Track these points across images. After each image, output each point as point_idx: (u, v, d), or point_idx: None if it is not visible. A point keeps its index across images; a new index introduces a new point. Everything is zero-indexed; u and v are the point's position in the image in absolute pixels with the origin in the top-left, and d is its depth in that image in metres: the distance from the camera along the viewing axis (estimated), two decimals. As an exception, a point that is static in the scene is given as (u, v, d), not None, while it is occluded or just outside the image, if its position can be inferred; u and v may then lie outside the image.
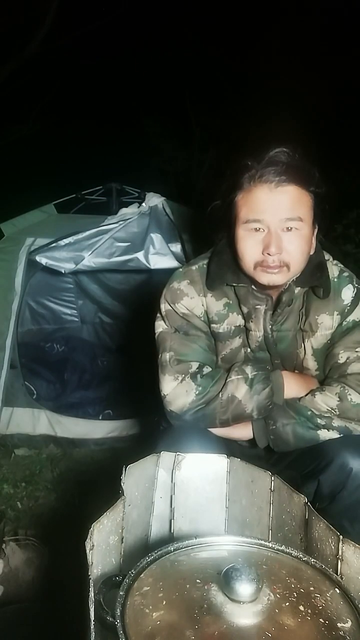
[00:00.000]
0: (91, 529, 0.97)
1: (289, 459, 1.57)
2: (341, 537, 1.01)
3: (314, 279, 1.53)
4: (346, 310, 1.56)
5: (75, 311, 4.05)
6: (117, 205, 3.13)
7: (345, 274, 1.60)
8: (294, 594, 0.89)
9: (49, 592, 1.71)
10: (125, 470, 1.19)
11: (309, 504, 1.13)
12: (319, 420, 1.48)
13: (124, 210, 2.96)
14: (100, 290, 3.89)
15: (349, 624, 0.85)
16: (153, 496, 1.30)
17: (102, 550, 1.03)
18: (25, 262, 2.87)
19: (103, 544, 1.03)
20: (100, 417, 2.98)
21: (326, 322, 1.56)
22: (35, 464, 2.64)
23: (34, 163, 7.38)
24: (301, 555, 0.98)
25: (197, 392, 1.50)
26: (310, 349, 1.59)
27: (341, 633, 0.84)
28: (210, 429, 1.54)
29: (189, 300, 1.58)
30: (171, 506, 1.31)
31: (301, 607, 0.86)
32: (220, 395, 1.50)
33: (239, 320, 1.58)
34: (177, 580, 0.90)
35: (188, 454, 1.33)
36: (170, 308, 1.59)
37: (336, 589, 0.92)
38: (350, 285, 1.57)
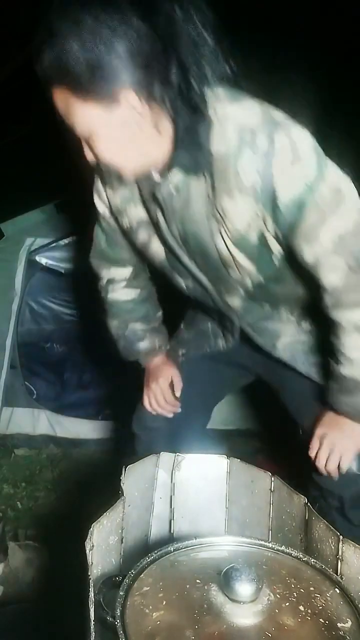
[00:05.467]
0: (91, 529, 0.97)
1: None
2: (341, 537, 1.01)
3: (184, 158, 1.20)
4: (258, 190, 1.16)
5: (75, 311, 4.04)
6: (117, 205, 3.12)
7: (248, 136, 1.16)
8: (294, 594, 0.89)
9: (49, 592, 1.71)
10: (125, 470, 1.19)
11: (309, 504, 1.13)
12: None
13: (124, 210, 2.95)
14: (100, 290, 3.88)
15: (349, 624, 0.85)
16: (153, 496, 1.30)
17: (102, 551, 1.03)
18: (25, 262, 2.87)
19: (103, 544, 1.03)
20: (100, 417, 2.98)
21: (232, 208, 1.21)
22: (35, 464, 2.64)
23: (33, 163, 7.36)
24: (301, 556, 0.98)
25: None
26: (228, 241, 1.26)
27: (341, 633, 0.83)
28: None
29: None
30: (171, 506, 1.31)
31: (301, 607, 0.86)
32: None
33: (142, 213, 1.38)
34: (177, 581, 0.90)
35: (188, 454, 1.33)
36: None
37: (336, 589, 0.92)
38: (248, 151, 1.15)
